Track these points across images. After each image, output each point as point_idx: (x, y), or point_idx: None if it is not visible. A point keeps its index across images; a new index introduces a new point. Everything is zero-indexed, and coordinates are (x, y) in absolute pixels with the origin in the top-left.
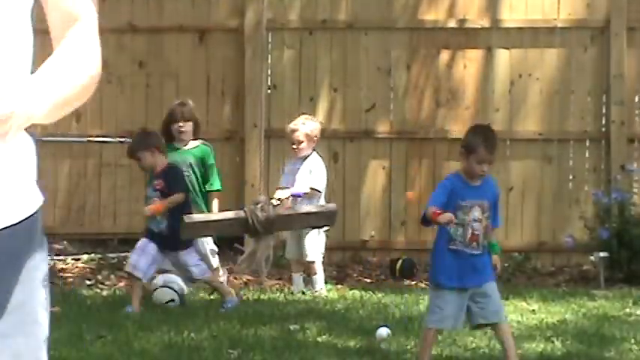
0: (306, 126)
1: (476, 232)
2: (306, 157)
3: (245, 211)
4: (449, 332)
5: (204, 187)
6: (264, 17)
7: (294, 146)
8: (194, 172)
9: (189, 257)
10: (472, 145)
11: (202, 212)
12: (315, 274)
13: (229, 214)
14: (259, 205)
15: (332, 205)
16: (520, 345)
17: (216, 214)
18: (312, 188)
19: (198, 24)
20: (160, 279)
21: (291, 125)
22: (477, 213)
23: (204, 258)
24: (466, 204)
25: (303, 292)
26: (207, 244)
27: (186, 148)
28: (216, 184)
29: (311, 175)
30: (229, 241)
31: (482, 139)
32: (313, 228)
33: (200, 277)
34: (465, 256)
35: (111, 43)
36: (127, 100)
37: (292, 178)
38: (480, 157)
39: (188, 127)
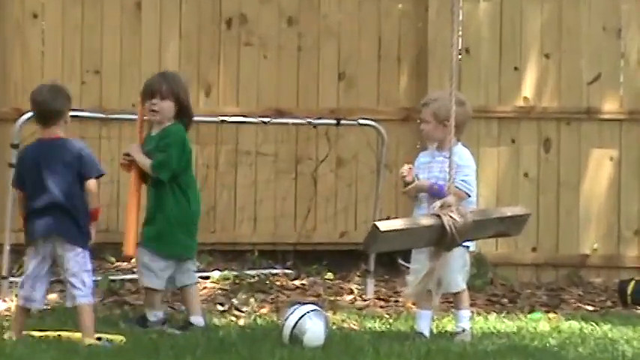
0: (436, 102)
1: None
2: (445, 147)
3: (440, 216)
4: None
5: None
6: None
7: (421, 129)
8: None
9: None
10: None
11: None
12: (466, 307)
13: (422, 221)
14: (453, 208)
15: (525, 209)
16: None
17: (406, 221)
18: (459, 189)
19: None
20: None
21: (421, 100)
22: None
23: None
24: None
25: (424, 336)
26: None
27: (153, 134)
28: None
29: (458, 171)
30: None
31: None
32: (499, 236)
33: None
34: None
35: None
36: (272, 68)
37: (427, 173)
38: None
39: (165, 106)
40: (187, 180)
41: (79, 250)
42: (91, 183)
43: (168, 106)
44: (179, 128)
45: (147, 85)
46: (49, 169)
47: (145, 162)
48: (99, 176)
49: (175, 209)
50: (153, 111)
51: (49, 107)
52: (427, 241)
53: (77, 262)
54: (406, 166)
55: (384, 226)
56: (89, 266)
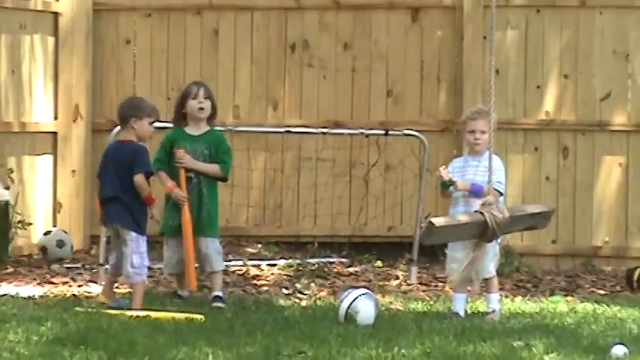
0: (490, 115)
1: None
2: (481, 154)
3: (483, 213)
4: None
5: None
6: None
7: (476, 138)
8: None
9: None
10: None
11: None
12: (496, 290)
13: (468, 217)
14: (493, 206)
15: (550, 205)
16: None
17: (455, 217)
18: (495, 189)
19: (411, 0)
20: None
21: (470, 113)
22: None
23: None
24: None
25: (459, 316)
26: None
27: (195, 134)
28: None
29: (494, 175)
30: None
31: None
32: (529, 229)
33: None
34: None
35: (312, 22)
36: (330, 86)
37: (461, 176)
38: None
39: (207, 105)
40: None
41: (134, 235)
42: (138, 177)
43: (209, 106)
44: (223, 134)
45: (191, 85)
46: (114, 166)
47: (212, 168)
48: (148, 174)
49: (217, 198)
50: (200, 109)
51: (119, 113)
52: (472, 234)
53: (130, 246)
54: (441, 168)
55: (438, 222)
56: (141, 249)
